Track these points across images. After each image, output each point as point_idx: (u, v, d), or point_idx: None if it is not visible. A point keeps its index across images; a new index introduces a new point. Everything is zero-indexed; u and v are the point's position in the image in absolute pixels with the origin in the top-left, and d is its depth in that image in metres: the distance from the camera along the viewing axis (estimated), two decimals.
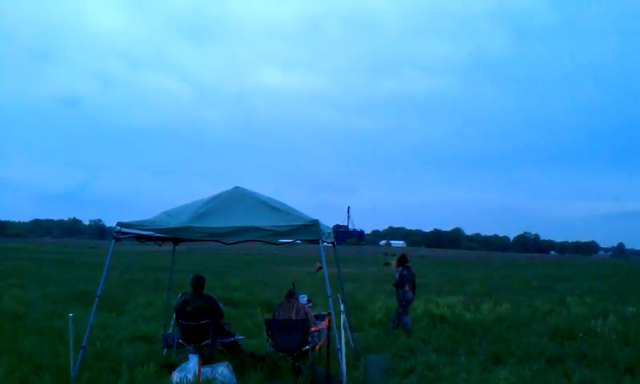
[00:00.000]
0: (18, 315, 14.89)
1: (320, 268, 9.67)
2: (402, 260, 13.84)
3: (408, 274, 13.64)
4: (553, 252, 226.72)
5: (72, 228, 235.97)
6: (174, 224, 9.24)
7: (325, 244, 10.02)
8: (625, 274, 49.65)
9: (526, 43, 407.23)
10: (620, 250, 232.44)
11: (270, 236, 9.38)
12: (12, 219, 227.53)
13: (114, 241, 9.40)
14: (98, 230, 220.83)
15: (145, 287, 24.72)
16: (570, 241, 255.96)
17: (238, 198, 10.01)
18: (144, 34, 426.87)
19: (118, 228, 9.29)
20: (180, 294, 10.89)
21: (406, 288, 13.57)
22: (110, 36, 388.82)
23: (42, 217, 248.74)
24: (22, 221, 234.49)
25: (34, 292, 21.10)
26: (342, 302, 10.54)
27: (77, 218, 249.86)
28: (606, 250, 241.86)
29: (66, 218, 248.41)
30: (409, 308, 13.71)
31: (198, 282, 10.58)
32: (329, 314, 9.14)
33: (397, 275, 13.66)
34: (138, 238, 9.96)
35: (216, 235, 9.18)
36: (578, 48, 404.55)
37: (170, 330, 10.84)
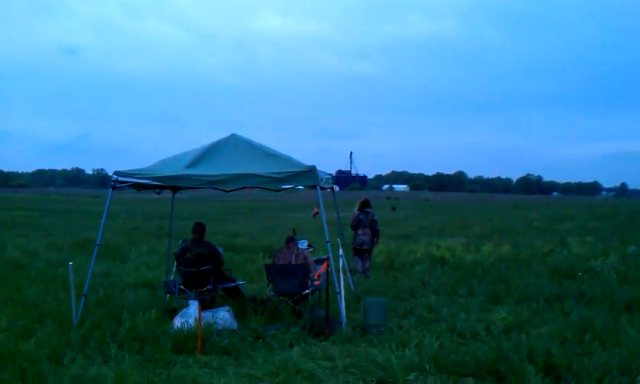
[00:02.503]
0: (21, 265, 15.01)
1: (317, 213, 9.70)
2: (362, 205, 13.91)
3: (365, 218, 13.70)
4: (555, 193, 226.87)
5: (75, 178, 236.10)
6: (170, 172, 9.24)
7: (324, 189, 10.04)
8: (627, 214, 49.82)
9: None
10: (623, 189, 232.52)
11: (267, 183, 9.39)
12: (15, 170, 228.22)
13: (111, 189, 9.41)
14: (102, 180, 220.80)
15: (147, 235, 24.86)
16: (572, 182, 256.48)
17: (234, 145, 9.99)
18: None
19: (115, 177, 9.30)
20: (180, 241, 10.96)
21: (359, 232, 13.65)
22: None
23: (45, 167, 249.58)
24: (25, 171, 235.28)
25: (38, 241, 21.24)
26: (342, 246, 10.59)
27: (80, 167, 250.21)
28: (609, 190, 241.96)
29: (69, 168, 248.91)
30: (364, 252, 13.73)
31: (199, 228, 10.64)
32: (327, 258, 9.18)
33: (352, 219, 13.76)
34: (136, 186, 9.98)
35: (212, 183, 9.18)
36: None
37: (172, 277, 10.93)
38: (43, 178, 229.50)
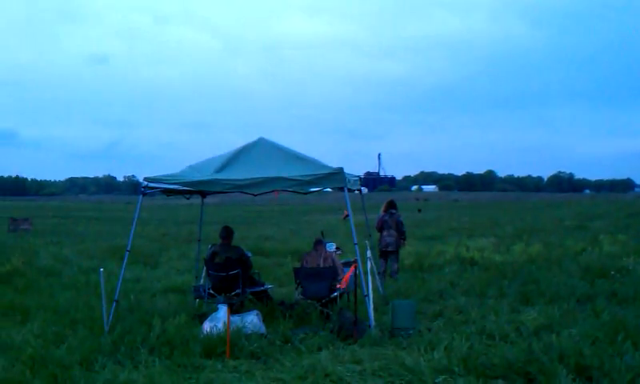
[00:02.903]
0: (53, 272, 15.25)
1: (347, 216, 9.71)
2: (388, 206, 13.84)
3: (390, 220, 13.64)
4: (587, 191, 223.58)
5: (107, 185, 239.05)
6: (198, 177, 9.31)
7: (352, 191, 10.04)
8: None
9: None
10: None
11: (295, 186, 9.43)
12: (48, 178, 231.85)
13: (141, 196, 9.52)
14: (133, 186, 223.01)
15: (178, 240, 25.09)
16: (605, 179, 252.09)
17: (262, 149, 10.06)
18: None
19: (145, 183, 9.41)
20: (209, 246, 11.03)
21: (384, 234, 13.58)
22: None
23: (78, 175, 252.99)
24: (57, 180, 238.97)
25: (70, 248, 21.55)
26: (370, 248, 10.57)
27: (111, 174, 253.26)
28: None
29: (101, 175, 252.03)
30: (390, 254, 13.64)
31: (227, 233, 10.71)
32: (355, 260, 9.17)
33: (378, 221, 13.70)
34: (166, 192, 10.08)
35: (241, 187, 9.23)
36: None
37: (202, 282, 11.01)
38: (75, 186, 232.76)
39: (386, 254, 13.58)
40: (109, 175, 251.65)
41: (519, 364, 6.76)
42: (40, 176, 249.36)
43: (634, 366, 6.36)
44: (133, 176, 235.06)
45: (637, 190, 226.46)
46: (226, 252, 10.38)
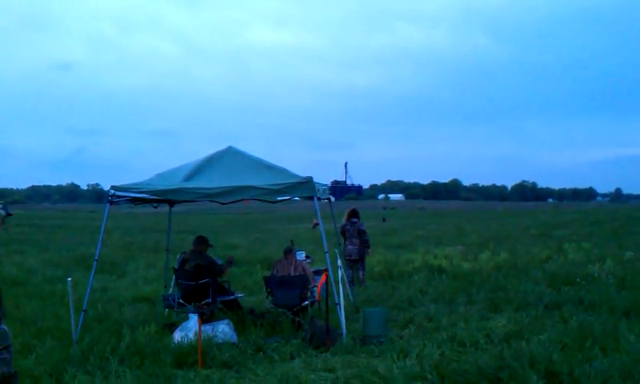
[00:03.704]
0: (18, 281, 14.96)
1: (317, 224, 9.73)
2: (350, 215, 13.93)
3: (352, 228, 13.73)
4: (551, 199, 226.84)
5: (70, 193, 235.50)
6: (166, 186, 9.23)
7: (321, 200, 10.05)
8: (623, 219, 49.80)
9: None
10: (618, 195, 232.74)
11: (264, 194, 9.42)
12: (10, 186, 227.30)
13: (108, 204, 9.41)
14: (97, 195, 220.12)
15: (145, 249, 24.81)
16: (567, 188, 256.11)
17: (231, 157, 10.03)
18: None
19: (112, 191, 9.29)
20: (179, 255, 10.95)
21: (346, 243, 13.67)
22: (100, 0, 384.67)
23: (40, 183, 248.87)
24: (19, 188, 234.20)
25: (35, 258, 21.18)
26: (340, 257, 10.59)
27: (75, 183, 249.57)
28: (604, 195, 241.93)
29: (64, 184, 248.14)
30: (354, 263, 13.73)
31: (199, 240, 10.66)
32: (326, 269, 9.18)
33: (340, 229, 13.77)
34: (133, 200, 9.98)
35: (210, 195, 9.17)
36: None
37: (171, 291, 10.91)
38: (38, 194, 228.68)
39: (350, 263, 13.63)
40: (72, 183, 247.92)
41: (490, 370, 6.81)
42: (1, 184, 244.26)
43: (602, 371, 6.45)
44: (97, 184, 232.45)
45: (599, 199, 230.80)
46: (195, 259, 10.32)
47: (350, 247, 13.60)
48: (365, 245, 13.78)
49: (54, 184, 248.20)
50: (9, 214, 6.72)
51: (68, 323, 8.87)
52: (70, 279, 9.07)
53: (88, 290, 9.21)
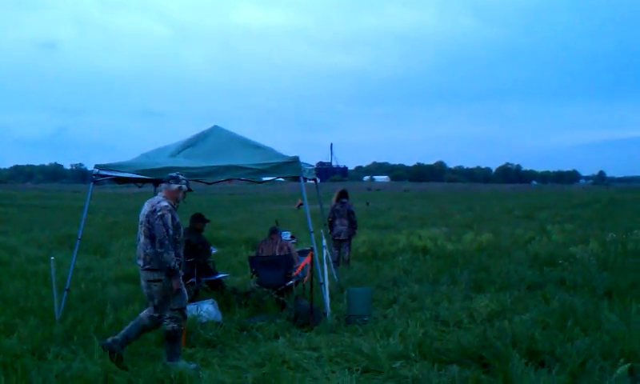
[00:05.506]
0: (1, 261, 14.84)
1: (301, 205, 9.74)
2: (339, 196, 13.99)
3: (341, 209, 13.80)
4: (534, 182, 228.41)
5: (54, 173, 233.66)
6: (151, 165, 9.16)
7: (307, 181, 10.04)
8: (605, 201, 50.35)
9: None
10: (601, 177, 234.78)
11: (250, 174, 9.39)
12: None
13: (92, 184, 9.32)
14: (80, 174, 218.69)
15: (129, 229, 24.66)
16: (551, 170, 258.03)
17: (216, 137, 9.96)
18: None
19: (97, 170, 9.18)
20: None
21: (336, 222, 13.75)
22: None
23: (23, 163, 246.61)
24: (2, 167, 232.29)
25: (17, 237, 21.04)
26: (325, 237, 10.60)
27: (58, 162, 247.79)
28: (587, 178, 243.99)
29: (47, 163, 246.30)
30: (342, 242, 13.78)
31: (196, 219, 10.65)
32: (311, 249, 9.19)
33: (330, 210, 13.83)
34: (117, 180, 9.89)
35: (196, 175, 9.10)
36: None
37: None
38: (21, 174, 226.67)
39: (338, 243, 13.69)
40: (55, 163, 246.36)
41: (473, 349, 6.89)
42: None
43: (583, 350, 6.53)
44: (80, 164, 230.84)
45: (582, 181, 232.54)
46: (187, 236, 10.27)
47: (340, 227, 13.66)
48: (353, 225, 13.85)
49: (37, 164, 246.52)
50: None
51: (51, 302, 8.83)
52: (52, 258, 9.01)
53: (71, 270, 9.16)
